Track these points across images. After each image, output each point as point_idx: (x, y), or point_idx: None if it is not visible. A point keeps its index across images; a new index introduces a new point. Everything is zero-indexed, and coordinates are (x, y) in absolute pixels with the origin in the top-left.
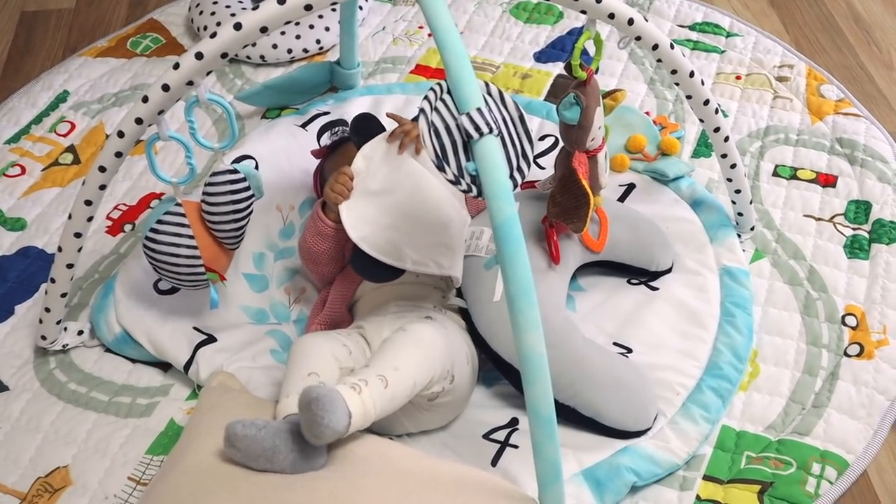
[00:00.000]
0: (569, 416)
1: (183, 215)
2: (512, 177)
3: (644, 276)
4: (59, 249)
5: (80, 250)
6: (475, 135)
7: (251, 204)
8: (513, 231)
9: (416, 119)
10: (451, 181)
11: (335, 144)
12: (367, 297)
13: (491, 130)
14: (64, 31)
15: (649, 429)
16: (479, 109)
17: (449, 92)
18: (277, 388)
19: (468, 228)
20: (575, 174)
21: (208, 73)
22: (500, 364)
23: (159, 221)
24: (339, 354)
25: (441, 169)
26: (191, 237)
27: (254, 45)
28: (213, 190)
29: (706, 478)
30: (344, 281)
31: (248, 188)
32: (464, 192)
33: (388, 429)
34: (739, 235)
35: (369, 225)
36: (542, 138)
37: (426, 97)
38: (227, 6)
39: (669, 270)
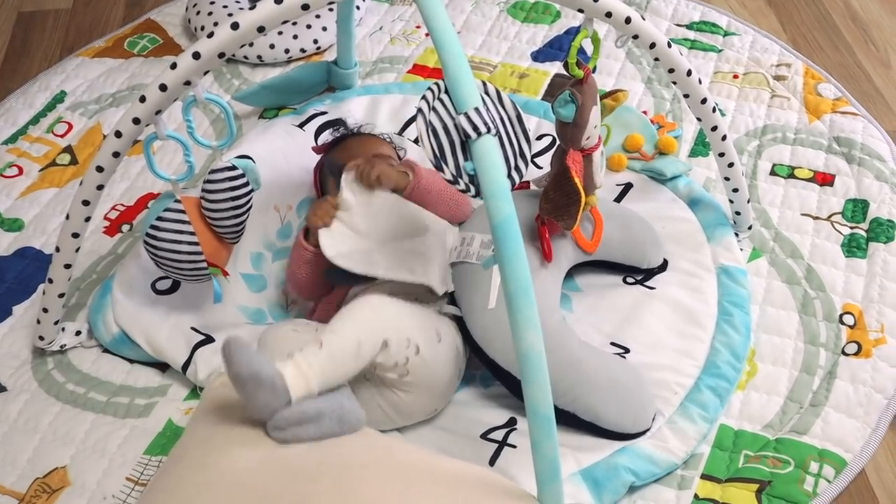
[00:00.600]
0: (568, 420)
1: (183, 211)
2: (510, 176)
3: (636, 273)
4: (57, 250)
5: (77, 251)
6: (473, 134)
7: (251, 198)
8: (511, 230)
9: (413, 119)
10: (449, 181)
11: (336, 141)
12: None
13: (489, 130)
14: (61, 32)
15: (648, 429)
16: (476, 109)
17: (447, 92)
18: None
19: (458, 235)
20: (568, 172)
21: (206, 73)
22: (496, 371)
23: (160, 218)
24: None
25: (439, 169)
26: (192, 233)
27: (251, 44)
28: (213, 187)
29: (704, 477)
30: (335, 291)
31: (246, 183)
32: (462, 191)
33: (376, 424)
34: (737, 234)
35: (345, 244)
36: (539, 137)
37: (424, 97)
38: (225, 6)
39: (661, 268)
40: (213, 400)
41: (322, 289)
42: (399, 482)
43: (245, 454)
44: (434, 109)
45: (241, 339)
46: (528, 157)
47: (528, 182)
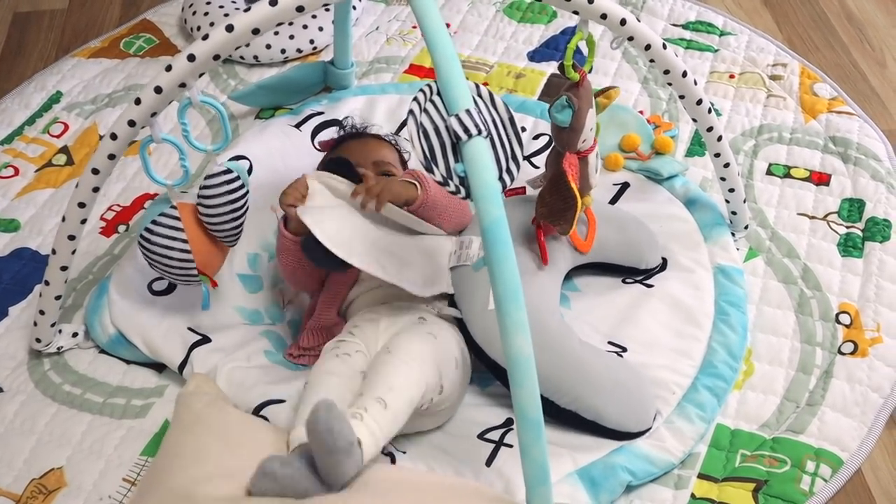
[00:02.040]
0: (570, 420)
1: (177, 218)
2: (501, 178)
3: (636, 274)
4: (53, 252)
5: (73, 253)
6: (464, 136)
7: (248, 200)
8: (500, 233)
9: (405, 122)
10: (439, 183)
11: (339, 141)
12: (361, 299)
13: (480, 132)
14: (57, 32)
15: (650, 429)
16: (468, 111)
17: (438, 93)
18: (272, 387)
19: (457, 238)
20: (564, 176)
21: (201, 75)
22: (497, 371)
23: (154, 222)
24: (353, 386)
25: (429, 170)
26: (184, 241)
27: (247, 45)
28: (210, 193)
29: (701, 476)
30: (332, 287)
31: (242, 186)
32: (452, 193)
33: None
34: (733, 234)
35: (326, 214)
36: (535, 137)
37: (415, 98)
38: (221, 6)
39: (659, 268)
40: (192, 412)
41: (312, 278)
42: (389, 496)
43: (229, 484)
44: (425, 111)
45: (331, 404)
46: (520, 160)
47: (524, 187)
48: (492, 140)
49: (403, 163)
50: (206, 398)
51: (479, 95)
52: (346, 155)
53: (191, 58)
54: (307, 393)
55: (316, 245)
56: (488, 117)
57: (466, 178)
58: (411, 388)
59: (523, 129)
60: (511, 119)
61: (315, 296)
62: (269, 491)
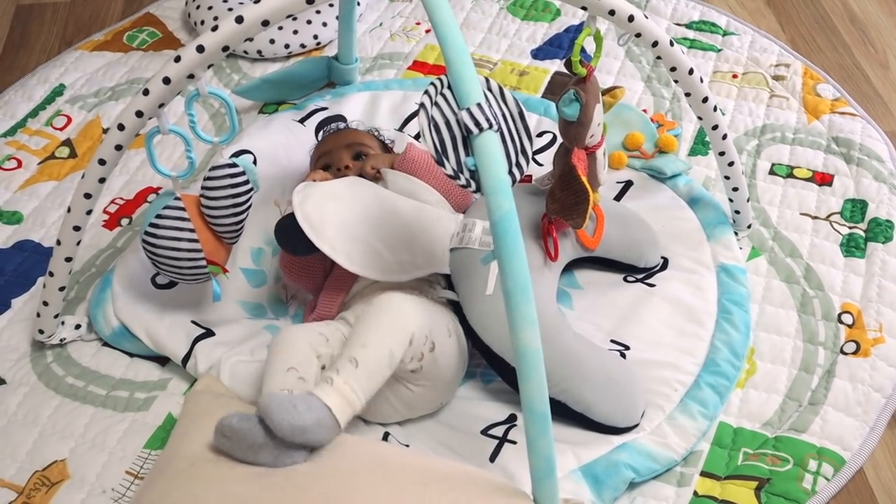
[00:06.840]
0: (559, 410)
1: (183, 209)
2: (511, 172)
3: (634, 272)
4: (58, 243)
5: (78, 243)
6: (475, 130)
7: (250, 197)
8: (511, 227)
9: (415, 114)
10: (450, 176)
11: (322, 139)
12: (360, 294)
13: (490, 126)
14: (60, 25)
15: (637, 425)
16: (479, 105)
17: (449, 87)
18: None
19: (460, 221)
20: (574, 170)
21: (209, 67)
22: (491, 358)
23: (159, 216)
24: (316, 342)
25: (440, 164)
26: (191, 230)
27: (251, 39)
28: (213, 184)
29: (703, 474)
30: (333, 285)
31: (247, 182)
32: (462, 186)
33: (383, 416)
34: (736, 233)
35: (315, 198)
36: (539, 135)
37: (426, 92)
38: (224, 0)
39: (658, 267)
40: (199, 406)
41: (313, 272)
42: (389, 488)
43: (234, 466)
44: (436, 104)
45: (276, 396)
46: (530, 154)
47: (530, 175)
48: (501, 134)
49: (386, 148)
50: (214, 395)
51: (489, 90)
52: (324, 147)
53: (200, 49)
54: (270, 357)
55: (290, 224)
56: (498, 112)
57: (477, 171)
58: (390, 341)
59: None
60: (521, 114)
61: (316, 293)
62: (223, 444)
